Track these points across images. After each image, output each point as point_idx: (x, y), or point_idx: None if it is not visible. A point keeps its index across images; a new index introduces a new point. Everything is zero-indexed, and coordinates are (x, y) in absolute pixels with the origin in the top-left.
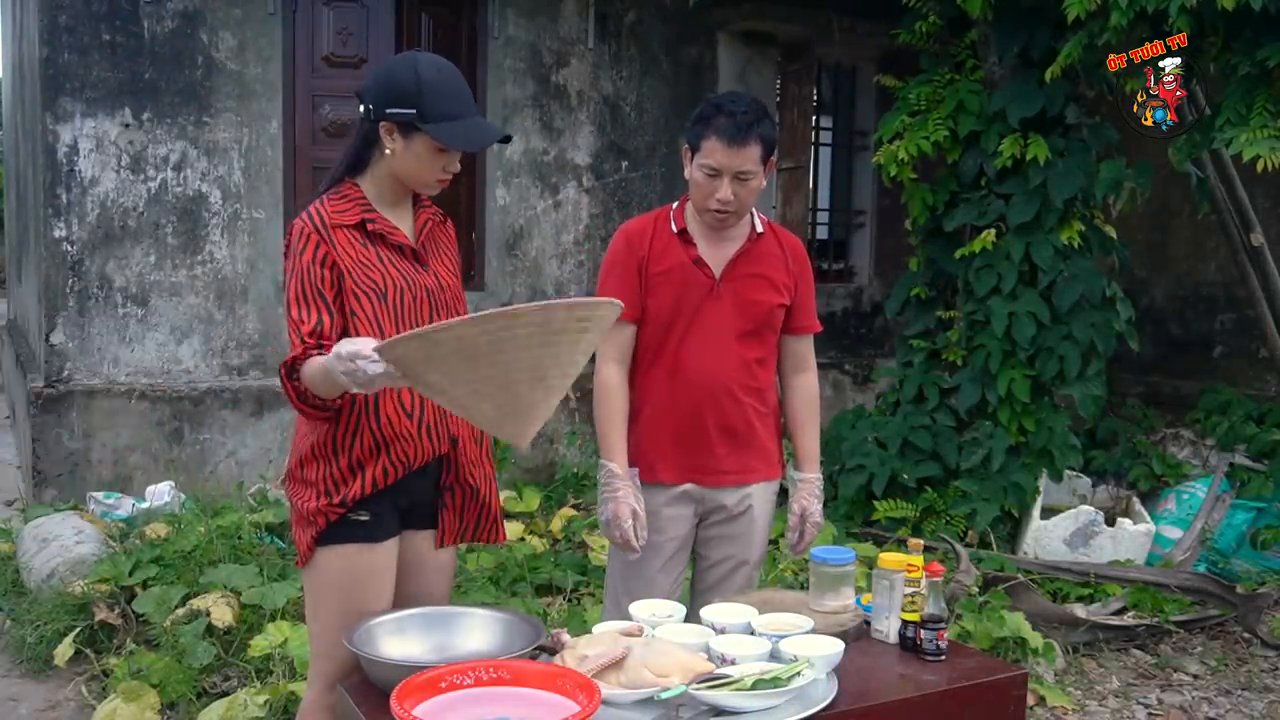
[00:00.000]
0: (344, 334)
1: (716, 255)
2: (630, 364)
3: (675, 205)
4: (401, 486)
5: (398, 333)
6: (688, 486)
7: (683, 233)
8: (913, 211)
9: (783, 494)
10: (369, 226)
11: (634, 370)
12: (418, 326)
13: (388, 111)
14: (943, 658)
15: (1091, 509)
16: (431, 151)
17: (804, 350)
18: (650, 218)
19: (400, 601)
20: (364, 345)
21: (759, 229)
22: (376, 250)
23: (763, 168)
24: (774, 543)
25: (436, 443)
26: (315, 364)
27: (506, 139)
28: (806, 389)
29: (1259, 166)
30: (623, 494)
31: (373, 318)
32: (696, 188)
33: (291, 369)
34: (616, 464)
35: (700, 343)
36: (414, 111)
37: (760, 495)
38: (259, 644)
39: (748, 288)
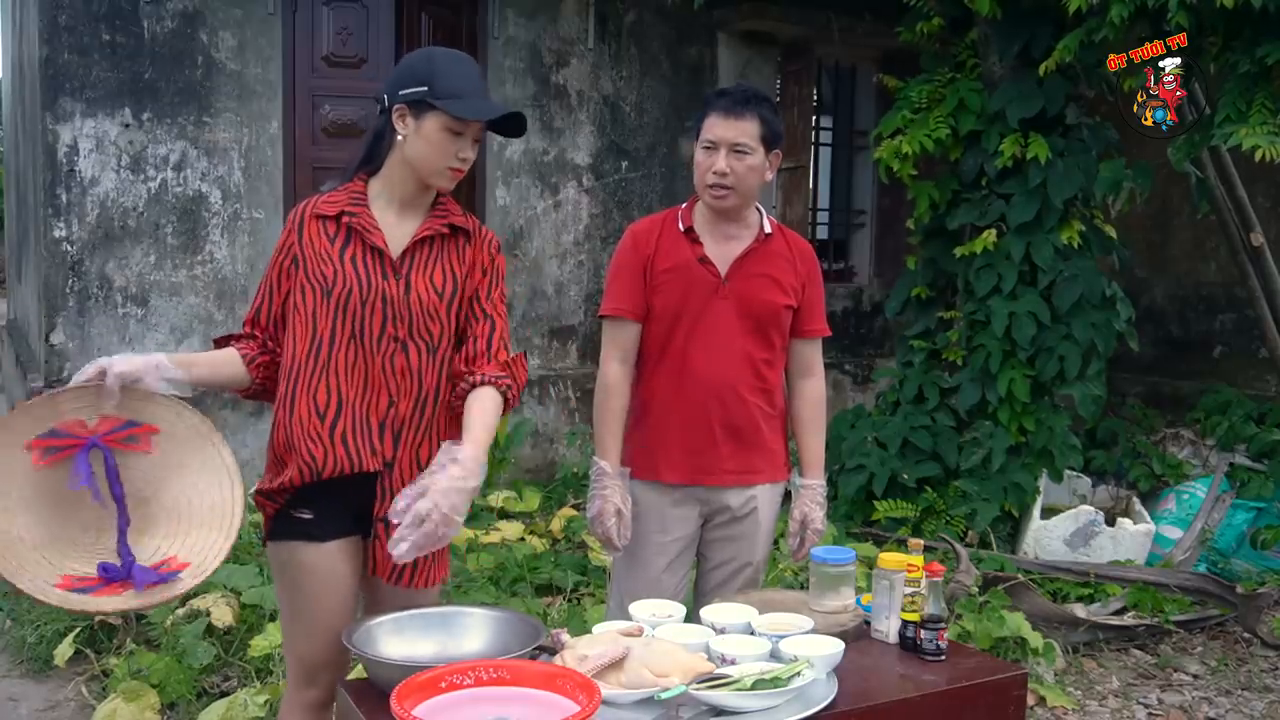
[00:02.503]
0: (278, 325)
1: (723, 254)
2: (635, 363)
3: (684, 205)
4: (340, 490)
5: (331, 333)
6: (692, 486)
7: (689, 230)
8: (919, 210)
9: (786, 498)
10: (344, 219)
11: (640, 369)
12: (360, 329)
13: (400, 93)
14: (943, 658)
15: (1091, 509)
16: (443, 133)
17: (811, 354)
18: (659, 217)
19: (385, 607)
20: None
21: (767, 229)
22: (342, 245)
23: (763, 148)
24: (775, 544)
25: (356, 456)
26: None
27: (520, 120)
28: (812, 393)
29: (1258, 156)
30: (609, 492)
31: (310, 313)
32: (697, 168)
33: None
34: (608, 462)
35: (706, 341)
36: (425, 88)
37: (765, 497)
38: (259, 644)
39: (754, 287)
